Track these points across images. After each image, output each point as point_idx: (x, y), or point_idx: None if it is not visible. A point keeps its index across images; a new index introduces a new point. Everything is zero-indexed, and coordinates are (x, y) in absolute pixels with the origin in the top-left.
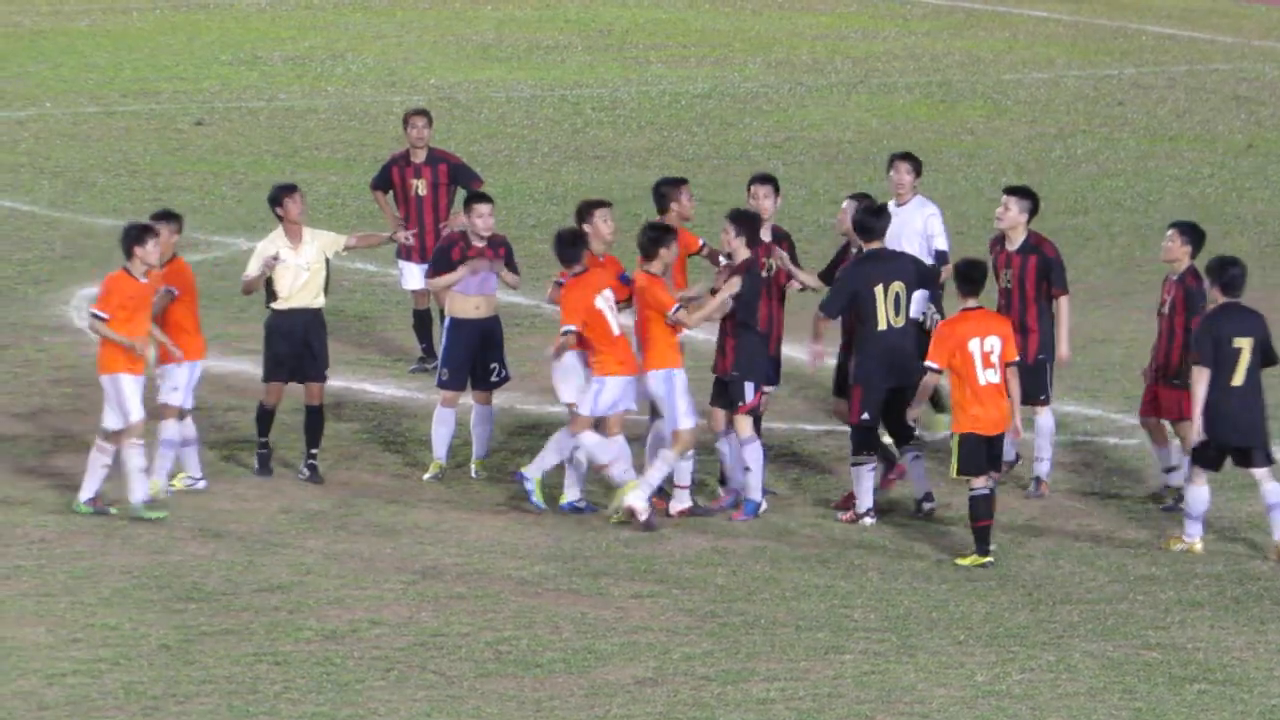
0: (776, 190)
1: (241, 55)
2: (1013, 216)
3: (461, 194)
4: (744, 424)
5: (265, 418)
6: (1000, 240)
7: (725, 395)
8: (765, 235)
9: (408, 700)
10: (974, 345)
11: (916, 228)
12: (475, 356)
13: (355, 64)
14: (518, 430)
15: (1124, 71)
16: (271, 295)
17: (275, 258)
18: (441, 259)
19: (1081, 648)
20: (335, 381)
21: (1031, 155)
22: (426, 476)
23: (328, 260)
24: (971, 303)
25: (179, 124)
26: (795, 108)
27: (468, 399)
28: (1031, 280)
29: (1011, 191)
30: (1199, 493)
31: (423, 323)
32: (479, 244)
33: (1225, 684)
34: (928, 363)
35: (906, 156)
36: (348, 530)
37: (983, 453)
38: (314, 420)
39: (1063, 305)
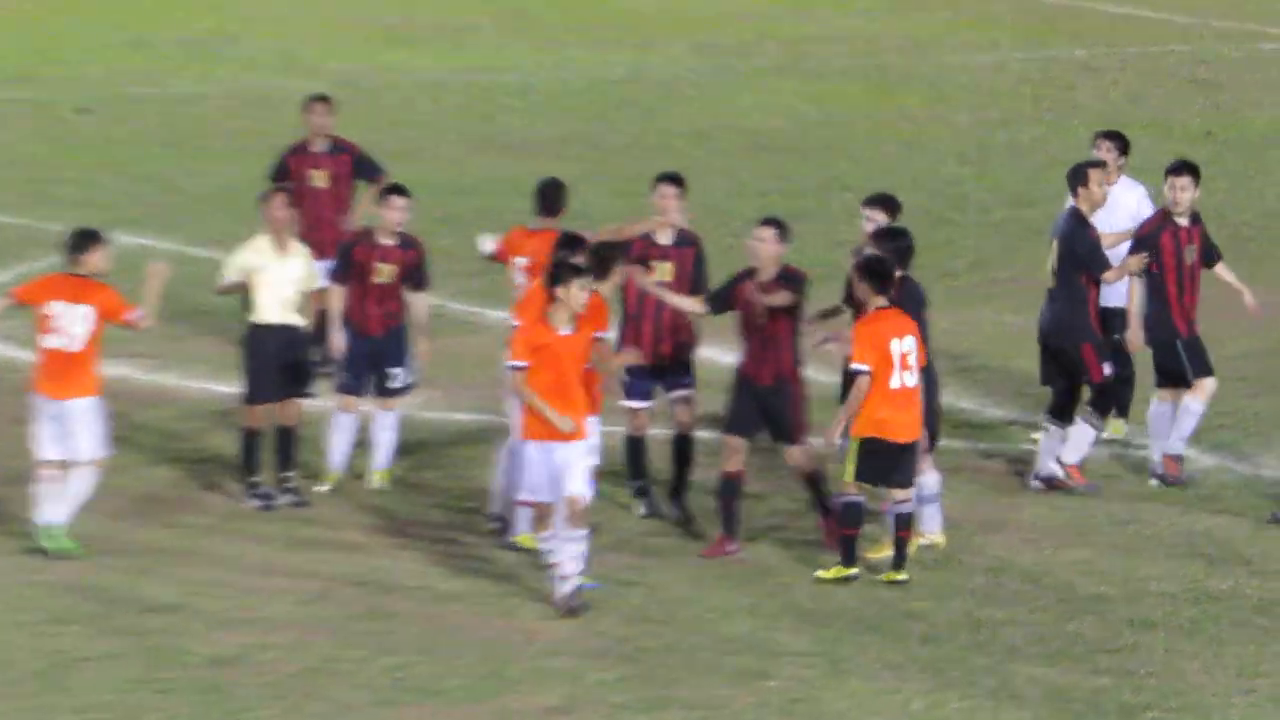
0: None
1: (128, 38)
2: (1191, 193)
3: (362, 187)
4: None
5: (253, 447)
6: (1163, 220)
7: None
8: (667, 239)
9: None
10: (894, 346)
11: (1130, 209)
12: (376, 360)
13: (250, 47)
14: (421, 440)
15: (1074, 53)
16: (251, 306)
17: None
18: (345, 259)
19: (1026, 673)
20: (223, 388)
21: (974, 143)
22: (322, 489)
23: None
24: (882, 301)
25: (60, 112)
26: (722, 94)
27: (369, 406)
28: (1201, 252)
29: (1186, 170)
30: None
31: (322, 324)
32: (388, 242)
33: (1181, 711)
34: (857, 365)
35: (1110, 135)
36: (236, 548)
37: (884, 460)
38: (288, 441)
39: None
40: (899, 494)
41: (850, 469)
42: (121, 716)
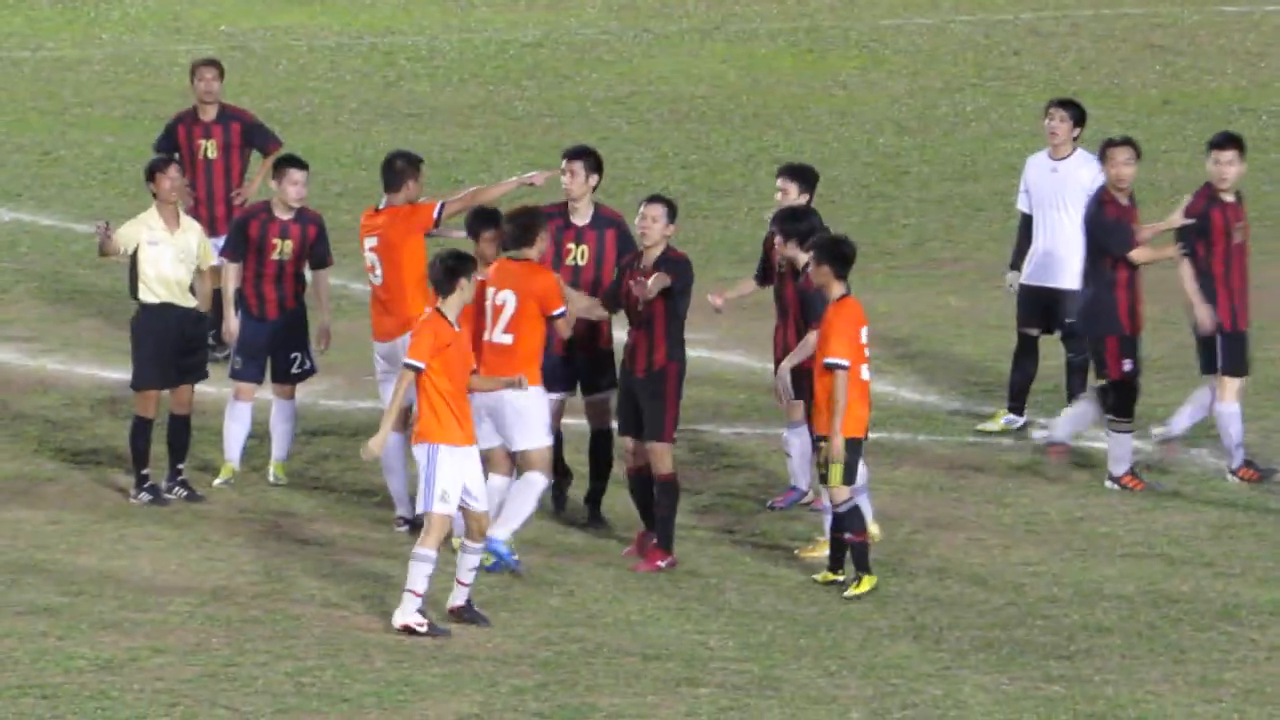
0: (593, 166)
1: None
2: (1238, 169)
3: (257, 158)
4: None
5: (144, 436)
6: (1209, 197)
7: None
8: (583, 219)
9: None
10: (864, 335)
11: (1083, 184)
12: (275, 344)
13: (134, 7)
14: (323, 429)
15: (1020, 17)
16: (138, 287)
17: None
18: (239, 235)
19: (972, 680)
20: (111, 373)
21: (913, 112)
22: (217, 482)
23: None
24: (844, 288)
25: None
26: (641, 58)
27: (266, 393)
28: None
29: (1231, 143)
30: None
31: (215, 305)
32: (285, 216)
33: None
34: (836, 360)
35: (1065, 103)
36: (125, 544)
37: (858, 459)
38: (181, 431)
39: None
40: (843, 494)
41: (840, 473)
42: None
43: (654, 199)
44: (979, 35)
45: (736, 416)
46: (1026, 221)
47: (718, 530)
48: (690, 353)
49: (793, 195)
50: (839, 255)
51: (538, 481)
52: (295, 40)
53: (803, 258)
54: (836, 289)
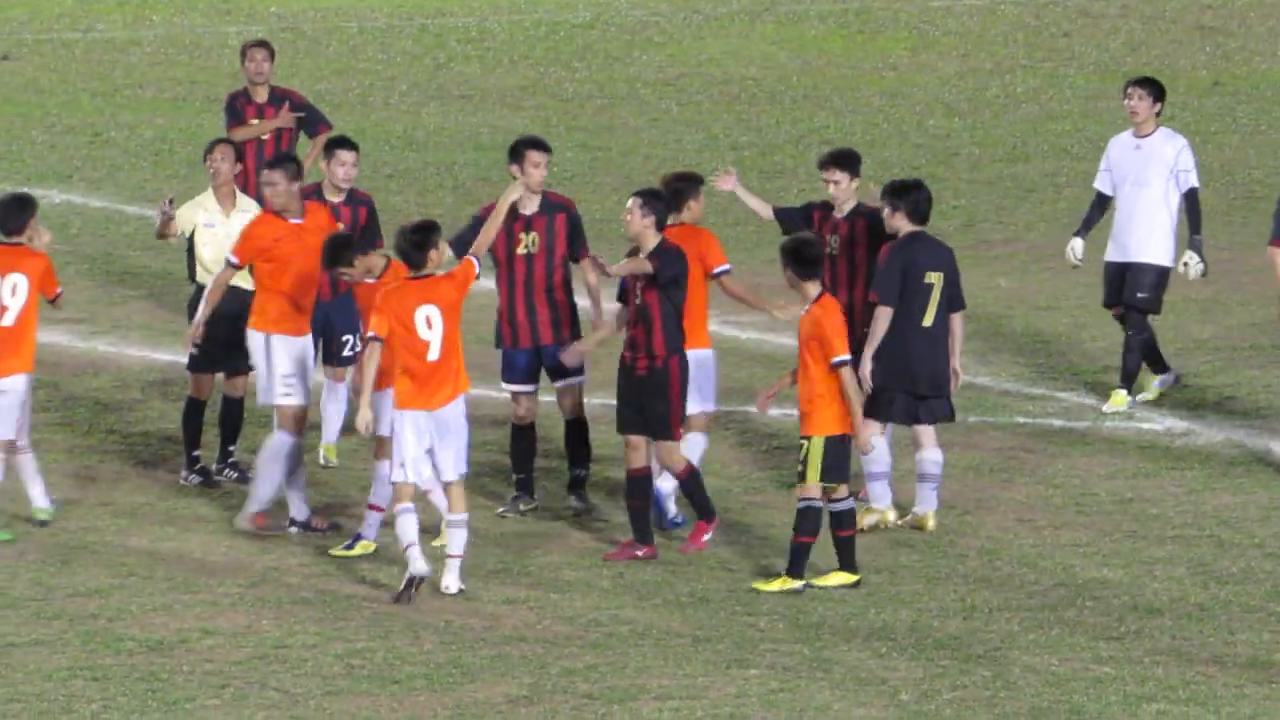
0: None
1: None
2: None
3: (305, 140)
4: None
5: (195, 418)
6: None
7: None
8: (531, 209)
9: None
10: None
11: (1167, 162)
12: (327, 327)
13: None
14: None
15: None
16: (195, 269)
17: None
18: None
19: (1022, 661)
20: (162, 355)
21: (963, 94)
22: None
23: None
24: (819, 287)
25: None
26: (691, 39)
27: (319, 375)
28: None
29: None
30: (878, 447)
31: None
32: (335, 199)
33: (1188, 703)
34: (842, 358)
35: (1143, 82)
36: (175, 526)
37: (840, 456)
38: (234, 413)
39: None
40: (842, 490)
41: (815, 468)
42: (55, 706)
43: (635, 193)
44: (1029, 16)
45: (786, 397)
46: (1102, 200)
47: (767, 511)
48: (740, 334)
49: (845, 184)
50: (799, 258)
51: (699, 442)
52: (345, 22)
53: (905, 227)
54: (811, 289)
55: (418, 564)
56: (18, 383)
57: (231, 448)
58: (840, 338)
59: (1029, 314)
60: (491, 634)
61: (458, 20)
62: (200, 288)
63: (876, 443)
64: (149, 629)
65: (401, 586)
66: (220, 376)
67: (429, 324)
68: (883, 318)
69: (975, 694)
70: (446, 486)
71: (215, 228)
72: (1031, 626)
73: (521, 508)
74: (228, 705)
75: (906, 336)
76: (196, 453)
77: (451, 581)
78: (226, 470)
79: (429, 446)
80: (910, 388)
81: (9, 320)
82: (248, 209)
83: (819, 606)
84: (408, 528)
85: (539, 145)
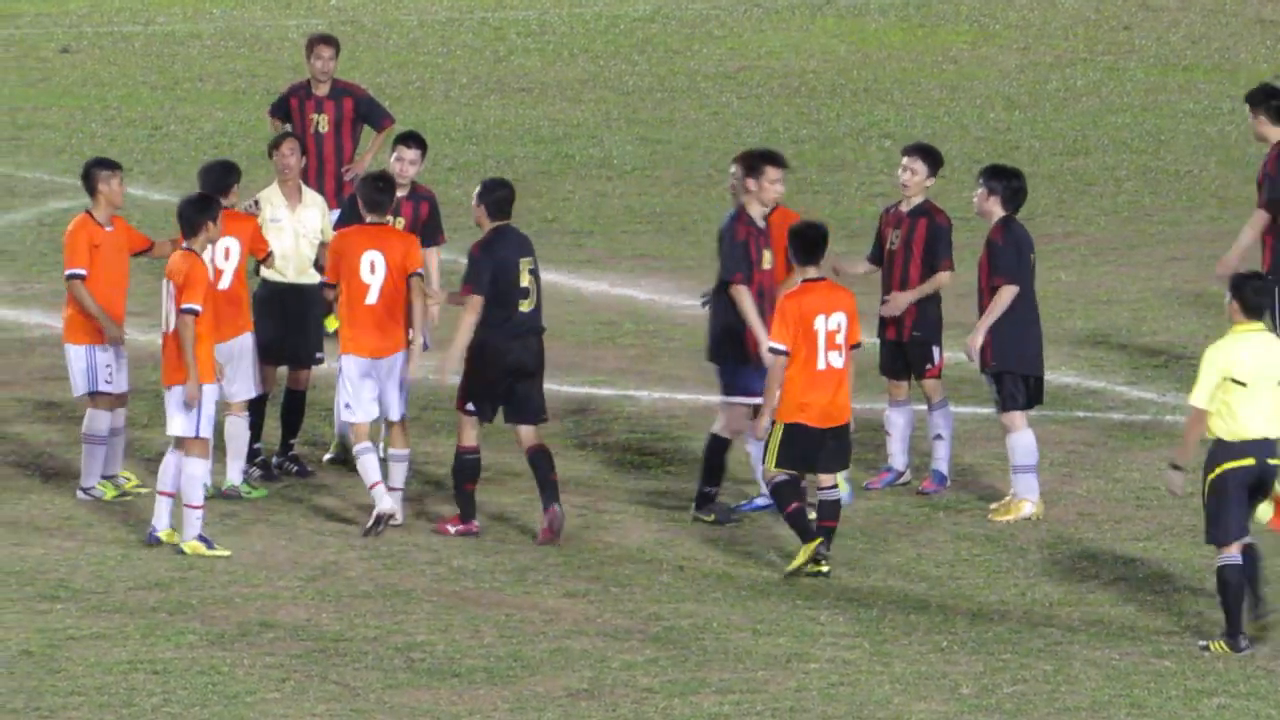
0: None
1: None
2: None
3: (368, 133)
4: (935, 387)
5: (258, 412)
6: None
7: (902, 361)
8: (401, 194)
9: (306, 715)
10: (819, 323)
11: None
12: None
13: None
14: (433, 404)
15: None
16: (262, 262)
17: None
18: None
19: (1083, 656)
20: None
21: (1024, 87)
22: (327, 457)
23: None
24: (812, 273)
25: (42, 52)
26: (751, 33)
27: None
28: None
29: None
30: (1024, 439)
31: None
32: (397, 194)
33: (1249, 698)
34: (773, 344)
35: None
36: (236, 520)
37: (808, 446)
38: (296, 406)
39: None
40: (825, 480)
41: (772, 456)
42: (115, 700)
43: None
44: (1089, 10)
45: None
46: None
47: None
48: None
49: (921, 176)
50: (808, 240)
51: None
52: (406, 15)
53: (998, 213)
54: (802, 273)
55: (384, 502)
56: (246, 341)
57: (293, 441)
58: (782, 323)
59: (1089, 308)
60: (552, 627)
61: (518, 14)
62: (264, 282)
63: (1024, 435)
64: (210, 622)
65: (369, 523)
66: (283, 370)
67: (372, 268)
68: (1007, 295)
69: (1036, 688)
70: (390, 425)
71: (281, 222)
72: (1092, 621)
73: (715, 517)
74: (288, 698)
75: (1028, 319)
76: (257, 445)
77: (396, 510)
78: (287, 464)
79: (376, 394)
80: (1032, 370)
81: (225, 283)
82: (314, 204)
83: (879, 600)
84: (369, 467)
85: (776, 161)
